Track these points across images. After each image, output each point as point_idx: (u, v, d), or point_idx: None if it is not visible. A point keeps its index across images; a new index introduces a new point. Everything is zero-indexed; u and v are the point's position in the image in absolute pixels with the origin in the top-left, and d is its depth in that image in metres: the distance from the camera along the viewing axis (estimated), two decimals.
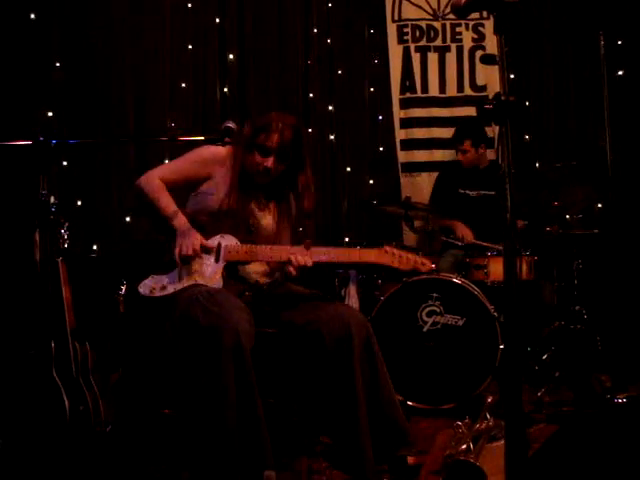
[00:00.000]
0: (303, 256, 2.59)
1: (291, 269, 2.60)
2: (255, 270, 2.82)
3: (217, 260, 2.67)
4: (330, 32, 5.07)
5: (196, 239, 2.61)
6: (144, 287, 2.63)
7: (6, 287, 3.86)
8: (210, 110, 4.85)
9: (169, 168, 2.85)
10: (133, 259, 2.76)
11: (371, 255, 2.63)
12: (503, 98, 1.76)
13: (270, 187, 2.84)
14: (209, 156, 2.79)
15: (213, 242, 2.67)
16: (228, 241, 2.68)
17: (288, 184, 2.84)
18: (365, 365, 2.56)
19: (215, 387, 2.32)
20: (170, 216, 2.68)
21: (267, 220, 2.85)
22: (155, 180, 2.75)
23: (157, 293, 2.61)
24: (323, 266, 2.66)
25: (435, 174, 4.86)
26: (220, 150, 2.77)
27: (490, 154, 4.63)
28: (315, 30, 5.04)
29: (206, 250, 2.64)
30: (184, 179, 2.80)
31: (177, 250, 2.60)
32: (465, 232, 4.28)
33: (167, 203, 2.71)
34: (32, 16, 4.39)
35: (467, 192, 4.52)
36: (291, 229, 2.91)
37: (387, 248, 2.61)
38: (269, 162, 2.72)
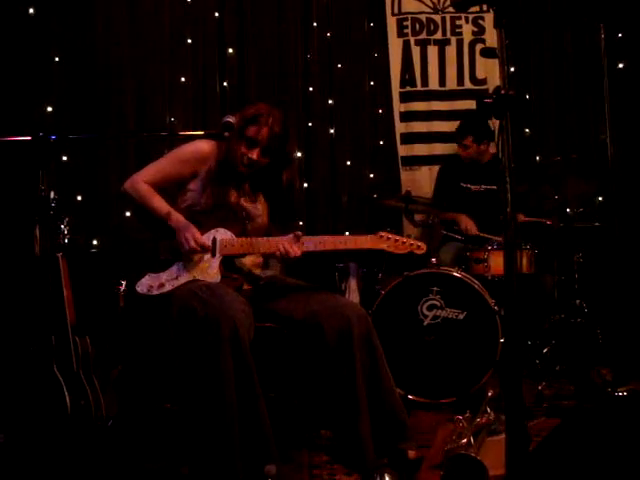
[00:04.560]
0: (291, 246, 2.59)
1: (278, 256, 2.61)
2: (250, 262, 2.82)
3: (213, 254, 2.67)
4: (330, 25, 5.06)
5: (195, 232, 2.62)
6: (142, 286, 2.63)
7: (6, 282, 3.86)
8: (210, 104, 4.84)
9: (153, 170, 2.82)
10: (132, 255, 2.75)
11: (366, 241, 2.64)
12: (503, 92, 1.75)
13: (256, 179, 2.83)
14: (192, 155, 2.78)
15: (208, 237, 2.67)
16: (223, 235, 2.69)
17: (273, 179, 2.84)
18: (365, 359, 2.56)
19: (215, 379, 2.33)
20: (165, 217, 2.68)
21: (258, 211, 2.85)
22: (141, 183, 2.75)
23: (155, 291, 2.61)
24: (322, 257, 2.66)
25: (435, 168, 4.85)
26: (203, 147, 2.77)
27: (492, 148, 4.62)
28: (315, 24, 5.02)
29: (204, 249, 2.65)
30: (169, 180, 2.80)
31: (185, 246, 2.60)
32: (469, 224, 4.28)
33: (159, 205, 2.71)
34: (31, 11, 4.38)
35: (469, 186, 4.51)
36: (284, 221, 2.92)
37: (382, 233, 2.63)
38: (254, 154, 2.73)
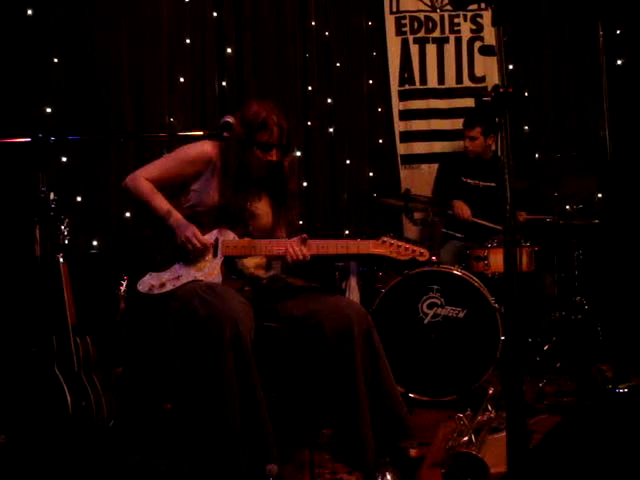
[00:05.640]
0: (301, 249, 2.59)
1: (289, 261, 2.61)
2: (252, 263, 2.82)
3: (215, 255, 2.67)
4: (328, 24, 5.06)
5: (195, 231, 2.62)
6: (143, 285, 2.63)
7: (7, 284, 3.86)
8: (209, 104, 4.83)
9: (155, 168, 2.82)
10: (133, 255, 2.75)
11: (369, 246, 2.63)
12: (501, 90, 1.75)
13: (261, 178, 2.83)
14: (195, 155, 2.77)
15: (210, 237, 2.67)
16: (225, 236, 2.69)
17: (276, 170, 2.84)
18: (366, 357, 2.56)
19: (216, 379, 2.33)
20: (165, 216, 2.67)
21: (262, 212, 2.85)
22: (142, 181, 2.74)
23: (156, 290, 2.61)
24: (322, 259, 2.66)
25: (435, 166, 4.86)
26: (206, 148, 2.77)
27: (492, 145, 4.61)
28: (313, 23, 5.02)
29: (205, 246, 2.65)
30: (171, 179, 2.79)
31: (190, 245, 2.60)
32: (463, 209, 4.27)
33: (160, 203, 2.71)
34: (29, 12, 4.37)
35: (469, 181, 4.50)
36: (286, 220, 2.91)
37: (385, 238, 2.62)
38: (273, 156, 2.73)
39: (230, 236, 2.69)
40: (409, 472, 2.47)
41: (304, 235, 2.63)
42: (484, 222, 4.11)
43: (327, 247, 2.66)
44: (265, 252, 2.70)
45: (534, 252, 3.90)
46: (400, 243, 2.62)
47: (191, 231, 2.62)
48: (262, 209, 2.86)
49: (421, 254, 2.64)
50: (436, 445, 2.72)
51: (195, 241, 2.60)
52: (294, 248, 2.59)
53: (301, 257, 2.60)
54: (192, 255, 2.65)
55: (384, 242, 2.62)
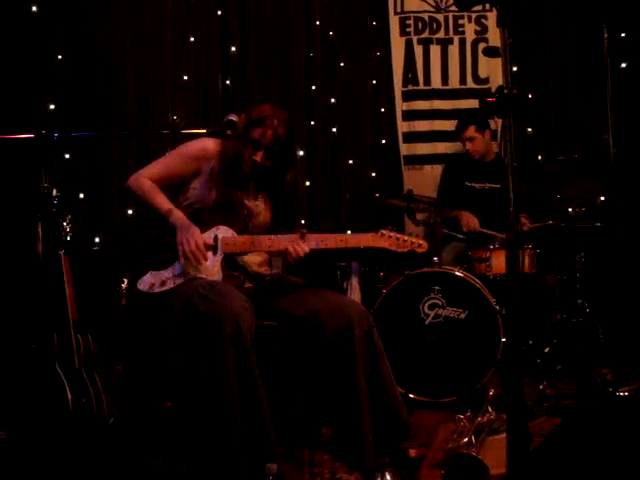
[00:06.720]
0: (300, 244, 2.60)
1: (290, 258, 2.61)
2: (253, 260, 2.82)
3: (215, 252, 2.66)
4: (332, 24, 5.06)
5: (197, 236, 2.59)
6: (143, 283, 2.62)
7: (9, 280, 3.87)
8: (212, 102, 4.84)
9: (157, 167, 2.82)
10: (134, 253, 2.76)
11: (367, 239, 2.63)
12: (506, 91, 1.75)
13: (260, 178, 2.83)
14: (197, 152, 2.78)
15: (210, 235, 2.67)
16: (224, 233, 2.68)
17: (277, 179, 2.84)
18: (366, 357, 2.56)
19: (216, 376, 2.33)
20: (166, 214, 2.66)
21: (260, 209, 2.85)
22: (144, 180, 2.74)
23: (157, 289, 2.61)
24: (324, 256, 2.66)
25: (438, 167, 4.86)
26: (208, 145, 2.77)
27: (495, 147, 4.61)
28: (317, 22, 5.02)
29: (206, 247, 2.63)
30: (173, 176, 2.79)
31: (181, 247, 2.58)
32: (470, 220, 4.27)
33: (161, 202, 2.70)
34: (34, 9, 4.38)
35: (474, 185, 4.49)
36: (285, 218, 2.91)
37: (383, 231, 2.62)
38: (258, 157, 2.73)
39: (229, 233, 2.69)
40: (409, 472, 2.47)
41: (303, 230, 2.64)
42: (491, 232, 4.11)
43: (327, 241, 2.66)
44: (265, 248, 2.69)
45: (536, 254, 3.90)
46: (399, 236, 2.62)
47: (192, 234, 2.58)
48: (260, 207, 2.86)
49: (420, 245, 2.64)
50: (436, 446, 2.72)
51: (193, 246, 2.54)
52: (294, 244, 2.60)
53: (301, 253, 2.60)
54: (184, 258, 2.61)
55: (383, 235, 2.62)
